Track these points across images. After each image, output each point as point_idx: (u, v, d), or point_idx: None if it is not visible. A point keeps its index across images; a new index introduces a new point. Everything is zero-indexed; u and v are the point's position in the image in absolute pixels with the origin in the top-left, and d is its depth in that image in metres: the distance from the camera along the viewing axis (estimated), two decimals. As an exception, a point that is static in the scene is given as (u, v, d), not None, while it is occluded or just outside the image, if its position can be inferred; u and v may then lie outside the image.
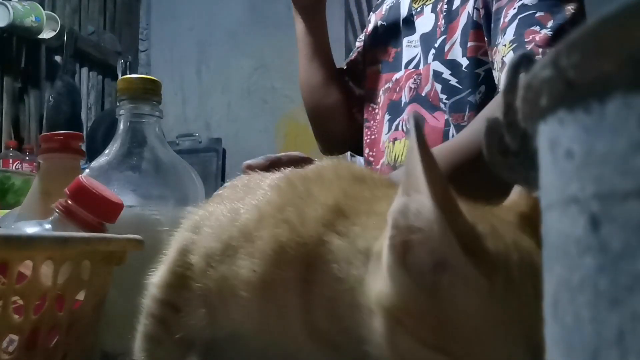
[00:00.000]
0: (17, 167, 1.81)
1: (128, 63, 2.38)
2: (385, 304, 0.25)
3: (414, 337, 0.24)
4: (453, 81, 0.83)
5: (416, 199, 0.24)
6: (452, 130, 0.83)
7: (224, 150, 2.41)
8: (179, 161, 0.57)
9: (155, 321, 0.36)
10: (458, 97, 0.82)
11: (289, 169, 0.36)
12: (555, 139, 0.16)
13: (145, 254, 0.42)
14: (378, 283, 0.26)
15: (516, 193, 0.31)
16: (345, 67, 1.04)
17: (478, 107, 0.81)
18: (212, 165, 2.37)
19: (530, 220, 0.28)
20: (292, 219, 0.30)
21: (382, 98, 0.94)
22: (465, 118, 0.81)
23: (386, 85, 0.93)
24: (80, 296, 0.42)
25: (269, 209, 0.32)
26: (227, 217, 0.33)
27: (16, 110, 2.08)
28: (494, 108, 0.66)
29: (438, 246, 0.24)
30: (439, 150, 0.71)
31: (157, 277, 0.36)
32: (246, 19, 2.55)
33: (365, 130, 0.97)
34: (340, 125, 1.01)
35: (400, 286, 0.25)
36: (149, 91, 0.55)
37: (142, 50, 2.64)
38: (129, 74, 2.41)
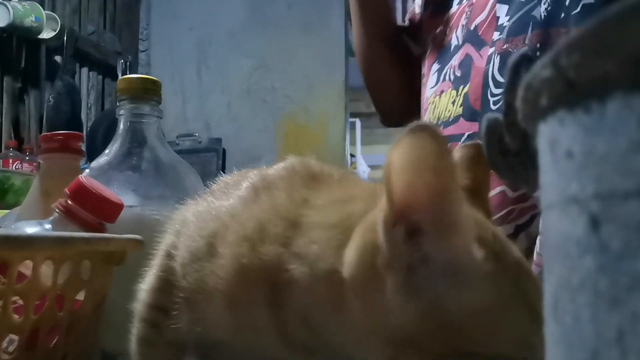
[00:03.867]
0: (17, 167, 1.81)
1: (128, 63, 2.38)
2: (391, 336, 0.24)
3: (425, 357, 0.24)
4: None
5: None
6: (494, 65, 0.66)
7: (224, 150, 2.41)
8: (179, 161, 0.57)
9: (147, 325, 0.36)
10: (521, 12, 0.66)
11: (256, 171, 0.34)
12: (555, 139, 0.16)
13: (145, 254, 0.42)
14: (373, 315, 0.25)
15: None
16: (405, 25, 0.89)
17: (543, 25, 0.64)
18: (212, 165, 2.37)
19: (476, 192, 0.29)
20: (252, 236, 0.29)
21: (431, 45, 0.81)
22: (527, 40, 0.65)
23: (438, 29, 0.79)
24: (80, 296, 0.42)
25: (232, 224, 0.31)
26: (196, 227, 0.33)
27: (16, 110, 2.08)
28: None
29: (449, 247, 0.23)
30: None
31: (145, 281, 0.37)
32: (246, 19, 2.55)
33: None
34: (400, 96, 0.89)
35: (410, 312, 0.24)
36: (149, 91, 0.55)
37: (142, 50, 2.64)
38: (129, 74, 2.41)
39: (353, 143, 3.75)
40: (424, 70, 0.81)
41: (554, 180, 0.16)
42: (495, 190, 0.63)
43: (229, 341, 0.33)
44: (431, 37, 0.80)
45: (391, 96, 0.90)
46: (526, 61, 0.21)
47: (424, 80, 0.80)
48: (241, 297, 0.30)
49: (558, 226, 0.16)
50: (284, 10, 2.53)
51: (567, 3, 0.61)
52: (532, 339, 0.23)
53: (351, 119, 3.23)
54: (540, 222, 0.19)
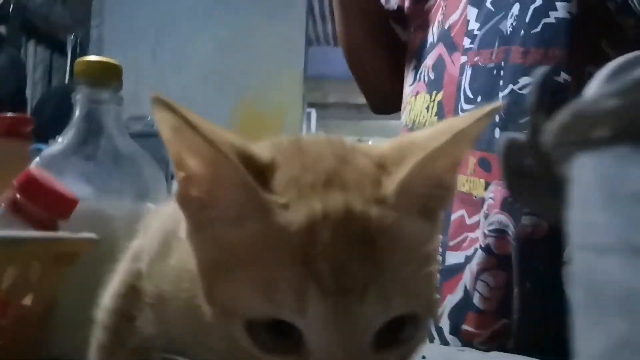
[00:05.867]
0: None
1: (79, 38, 2.27)
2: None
3: None
4: (488, 1, 0.64)
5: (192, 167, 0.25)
6: (466, 78, 0.64)
7: (177, 135, 2.35)
8: (139, 153, 0.54)
9: (108, 332, 0.34)
10: (490, 24, 0.64)
11: None
12: (612, 176, 0.14)
13: (99, 252, 0.39)
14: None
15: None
16: (393, 9, 0.83)
17: (507, 42, 0.61)
18: (164, 150, 2.29)
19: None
20: None
21: (413, 37, 0.77)
22: (493, 56, 0.62)
23: (420, 20, 0.76)
24: (27, 301, 0.38)
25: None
26: (156, 229, 0.33)
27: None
28: None
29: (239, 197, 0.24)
30: None
31: (110, 286, 0.35)
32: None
33: None
34: (389, 84, 0.84)
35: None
36: (110, 76, 0.51)
37: (94, 26, 2.53)
38: (80, 50, 2.30)
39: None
40: (406, 62, 0.78)
41: (610, 223, 0.14)
42: (457, 214, 0.62)
43: (198, 348, 0.31)
44: (414, 26, 0.77)
45: (378, 83, 0.86)
46: (550, 80, 0.19)
47: (405, 73, 0.78)
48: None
49: (618, 276, 0.14)
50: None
51: (527, 20, 0.61)
52: None
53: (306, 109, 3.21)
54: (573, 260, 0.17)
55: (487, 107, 0.23)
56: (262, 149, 0.26)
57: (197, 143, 0.24)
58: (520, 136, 0.21)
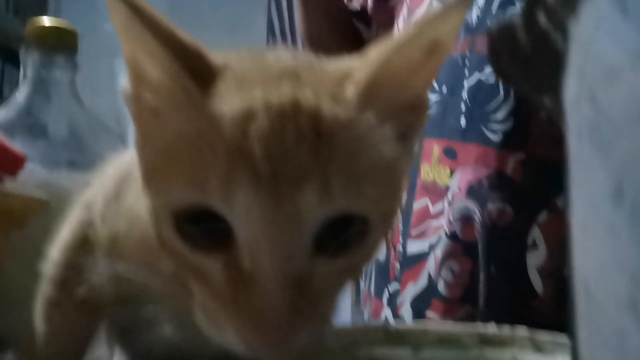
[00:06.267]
0: None
1: (33, 49, 2.20)
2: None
3: None
4: None
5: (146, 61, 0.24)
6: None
7: (135, 149, 2.30)
8: (96, 123, 0.51)
9: (56, 285, 0.32)
10: None
11: None
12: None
13: (51, 224, 0.36)
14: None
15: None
16: (356, 9, 0.83)
17: (473, 32, 0.61)
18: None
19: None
20: None
21: (376, 35, 0.77)
22: (458, 47, 0.62)
23: (385, 17, 0.76)
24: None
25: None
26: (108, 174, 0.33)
27: None
28: None
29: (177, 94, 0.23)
30: None
31: (58, 239, 0.33)
32: (168, 13, 2.46)
33: None
34: None
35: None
36: (63, 40, 0.49)
37: (49, 38, 2.46)
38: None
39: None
40: None
41: (623, 37, 0.13)
42: (420, 203, 0.61)
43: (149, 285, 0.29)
44: (377, 23, 0.77)
45: None
46: None
47: None
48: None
49: (631, 92, 0.13)
50: (207, 10, 2.48)
51: (493, 10, 0.61)
52: None
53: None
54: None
55: None
56: (219, 55, 0.25)
57: (150, 41, 0.23)
58: (514, 17, 0.20)
